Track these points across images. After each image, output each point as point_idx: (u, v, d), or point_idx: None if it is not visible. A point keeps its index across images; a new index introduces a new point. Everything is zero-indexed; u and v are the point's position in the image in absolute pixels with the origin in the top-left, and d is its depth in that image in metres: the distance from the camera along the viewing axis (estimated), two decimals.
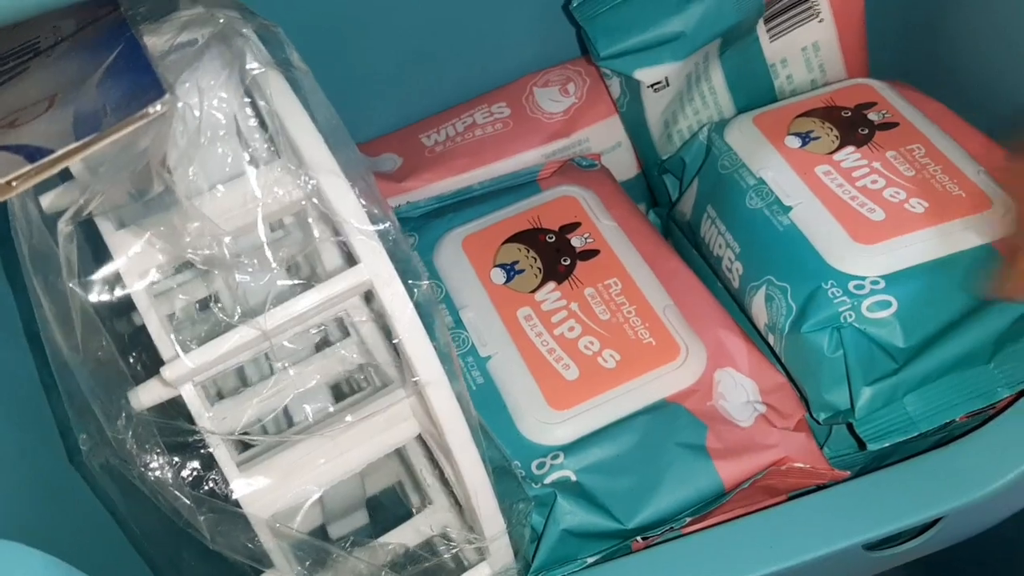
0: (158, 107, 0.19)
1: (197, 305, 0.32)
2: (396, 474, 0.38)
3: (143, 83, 0.21)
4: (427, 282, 0.24)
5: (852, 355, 0.30)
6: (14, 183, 0.18)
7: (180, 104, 0.19)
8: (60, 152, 0.18)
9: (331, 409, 0.27)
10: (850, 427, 0.30)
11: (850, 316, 0.30)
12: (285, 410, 0.29)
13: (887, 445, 0.30)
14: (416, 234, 0.38)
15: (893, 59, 0.43)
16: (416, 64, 0.45)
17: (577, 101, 0.43)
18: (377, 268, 0.24)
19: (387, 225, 0.24)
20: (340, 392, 0.33)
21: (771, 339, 0.33)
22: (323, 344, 0.32)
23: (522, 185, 0.40)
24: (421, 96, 0.46)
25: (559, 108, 0.44)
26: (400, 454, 0.34)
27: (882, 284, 0.31)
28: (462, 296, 0.35)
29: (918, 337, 0.30)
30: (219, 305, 0.23)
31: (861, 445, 0.30)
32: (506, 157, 0.43)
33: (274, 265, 0.23)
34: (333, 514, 0.35)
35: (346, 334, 0.31)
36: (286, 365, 0.26)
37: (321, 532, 0.34)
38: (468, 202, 0.40)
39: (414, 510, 0.36)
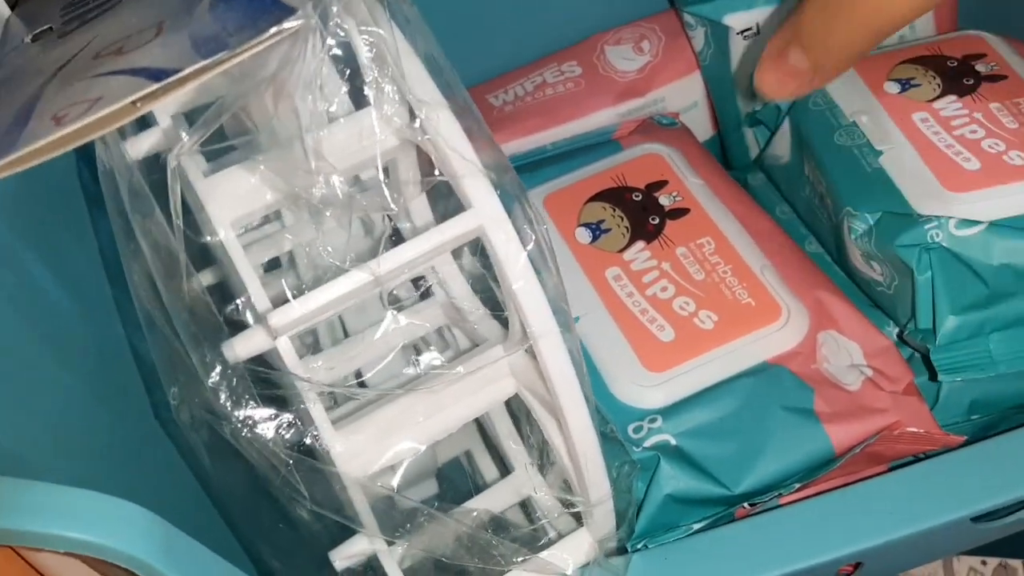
0: (293, 23, 0.17)
1: (263, 268, 0.31)
2: (464, 444, 0.37)
3: (262, 6, 0.19)
4: (544, 226, 0.23)
5: (940, 278, 0.29)
6: (139, 103, 0.17)
7: (313, 21, 0.18)
8: (192, 68, 0.17)
9: (440, 360, 0.26)
10: (924, 359, 0.30)
11: (938, 235, 0.29)
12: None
13: (959, 380, 0.29)
14: None
15: (982, 13, 0.42)
16: (479, 23, 0.43)
17: (652, 59, 0.42)
18: (490, 211, 0.23)
19: (500, 166, 0.23)
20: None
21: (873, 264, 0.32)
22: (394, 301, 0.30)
23: (601, 144, 0.38)
24: (484, 57, 0.45)
25: (633, 67, 0.42)
26: (477, 421, 0.33)
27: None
28: None
29: None
30: (328, 249, 0.22)
31: (932, 375, 0.29)
32: (579, 117, 0.41)
33: (393, 206, 0.21)
34: (405, 481, 0.34)
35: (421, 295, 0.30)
36: (395, 313, 0.25)
37: None
38: (543, 162, 0.38)
39: (483, 481, 0.35)
